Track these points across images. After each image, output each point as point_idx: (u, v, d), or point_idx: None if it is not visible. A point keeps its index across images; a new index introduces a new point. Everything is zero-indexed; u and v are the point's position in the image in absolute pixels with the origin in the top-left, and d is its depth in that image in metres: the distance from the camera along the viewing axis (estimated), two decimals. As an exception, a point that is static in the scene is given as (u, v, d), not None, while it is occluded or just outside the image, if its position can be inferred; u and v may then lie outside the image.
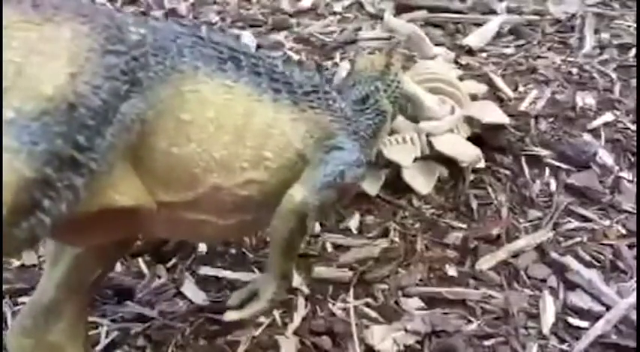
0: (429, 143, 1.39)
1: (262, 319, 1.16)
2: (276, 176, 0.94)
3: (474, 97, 1.54)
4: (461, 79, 1.60)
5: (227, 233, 1.06)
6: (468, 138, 1.43)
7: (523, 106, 1.62)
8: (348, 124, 1.04)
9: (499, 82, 1.70)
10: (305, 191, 0.93)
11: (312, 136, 0.98)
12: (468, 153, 1.39)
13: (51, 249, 0.97)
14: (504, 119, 1.49)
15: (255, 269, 1.25)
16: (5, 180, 0.69)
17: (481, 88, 1.59)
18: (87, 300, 1.01)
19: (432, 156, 1.40)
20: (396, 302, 1.19)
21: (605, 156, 1.47)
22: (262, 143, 0.92)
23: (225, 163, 0.89)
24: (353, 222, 1.34)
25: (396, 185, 1.39)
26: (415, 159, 1.38)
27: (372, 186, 1.37)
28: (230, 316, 1.00)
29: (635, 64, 1.76)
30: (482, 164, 1.42)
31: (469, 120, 1.45)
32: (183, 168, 0.87)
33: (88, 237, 0.89)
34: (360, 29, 1.97)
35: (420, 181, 1.38)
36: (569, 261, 1.25)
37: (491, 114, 1.48)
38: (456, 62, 1.76)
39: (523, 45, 1.87)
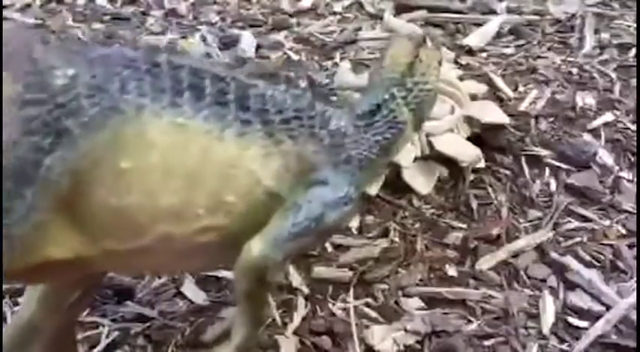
0: (429, 143, 1.39)
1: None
2: (242, 220, 0.83)
3: (473, 97, 1.54)
4: (461, 78, 1.60)
5: (192, 270, 1.01)
6: (468, 138, 1.43)
7: (523, 106, 1.62)
8: (337, 151, 0.90)
9: (499, 81, 1.70)
10: (264, 245, 0.83)
11: (289, 171, 0.86)
12: (468, 153, 1.39)
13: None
14: (504, 119, 1.49)
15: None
16: None
17: (481, 88, 1.59)
18: (68, 320, 0.97)
19: (432, 156, 1.40)
20: (396, 302, 1.19)
21: (605, 156, 1.47)
22: (222, 186, 0.82)
23: (176, 211, 0.80)
24: (353, 222, 1.34)
25: (396, 185, 1.39)
26: (415, 159, 1.38)
27: (371, 186, 1.37)
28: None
29: (635, 64, 1.76)
30: (482, 164, 1.42)
31: (469, 120, 1.45)
32: (125, 219, 0.79)
33: (40, 280, 0.86)
34: (360, 29, 1.97)
35: (420, 181, 1.38)
36: (569, 261, 1.25)
37: (491, 114, 1.48)
38: (456, 62, 1.76)
39: (523, 45, 1.87)
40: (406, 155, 1.36)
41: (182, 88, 0.81)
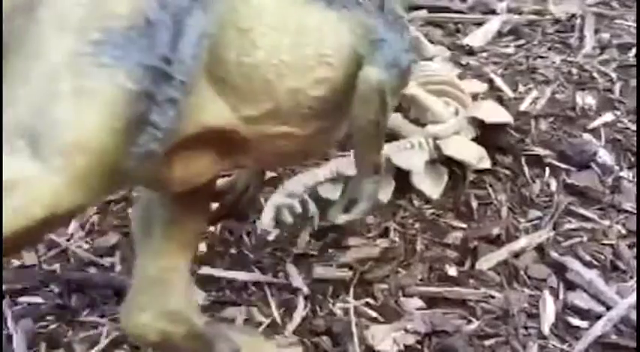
0: (437, 146, 1.39)
1: (262, 319, 1.16)
2: (340, 72, 0.91)
3: (474, 97, 1.54)
4: (460, 77, 1.60)
5: (309, 146, 1.00)
6: (472, 139, 1.44)
7: (523, 106, 1.62)
8: (378, 16, 0.96)
9: (499, 81, 1.70)
10: (377, 69, 0.90)
11: (356, 33, 0.92)
12: (475, 156, 1.39)
13: (137, 227, 0.97)
14: (508, 118, 1.49)
15: (255, 269, 1.25)
16: (111, 96, 0.70)
17: (481, 87, 1.59)
18: (191, 253, 0.98)
19: (439, 160, 1.40)
20: (396, 302, 1.19)
21: (605, 156, 1.47)
22: (319, 41, 0.89)
23: (294, 64, 0.87)
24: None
25: (396, 185, 1.39)
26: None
27: (382, 193, 1.36)
28: (341, 218, 1.01)
29: (635, 64, 1.76)
30: (488, 165, 1.42)
31: (472, 121, 1.45)
32: (258, 77, 0.86)
33: (191, 171, 0.87)
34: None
35: (430, 185, 1.37)
36: (569, 261, 1.25)
37: (495, 113, 1.48)
38: (456, 62, 1.76)
39: (523, 45, 1.87)
40: (416, 161, 1.36)
41: None
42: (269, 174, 1.42)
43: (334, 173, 1.34)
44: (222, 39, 0.82)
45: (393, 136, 1.42)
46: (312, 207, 1.30)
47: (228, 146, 0.88)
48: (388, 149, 1.37)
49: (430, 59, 1.64)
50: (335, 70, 0.91)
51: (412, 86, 1.44)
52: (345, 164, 1.34)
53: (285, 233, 1.30)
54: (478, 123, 1.45)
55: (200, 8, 0.79)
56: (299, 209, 1.26)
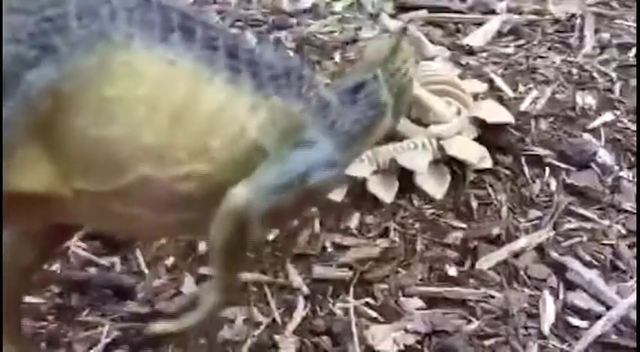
0: (440, 147, 1.38)
1: (262, 319, 1.16)
2: (225, 170, 0.79)
3: (475, 97, 1.54)
4: (460, 77, 1.60)
5: (165, 231, 0.94)
6: (473, 139, 1.44)
7: (523, 106, 1.62)
8: (324, 116, 0.87)
9: (499, 81, 1.70)
10: (250, 192, 0.78)
11: (276, 126, 0.82)
12: (477, 155, 1.39)
13: None
14: (509, 118, 1.49)
15: (255, 269, 1.25)
16: None
17: (481, 87, 1.59)
18: (21, 287, 0.95)
19: (442, 160, 1.40)
20: (396, 302, 1.19)
21: (605, 156, 1.47)
22: (207, 130, 0.78)
23: (159, 152, 0.76)
24: (353, 222, 1.34)
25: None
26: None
27: (386, 194, 1.36)
28: (156, 327, 0.87)
29: (635, 63, 1.76)
30: (489, 164, 1.42)
31: (474, 121, 1.45)
32: (104, 154, 0.75)
33: (12, 220, 0.80)
34: (360, 29, 1.97)
35: (434, 185, 1.37)
36: (569, 261, 1.25)
37: (496, 113, 1.48)
38: (456, 62, 1.76)
39: (523, 45, 1.87)
40: (420, 161, 1.36)
41: (172, 26, 0.78)
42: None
43: None
44: (74, 102, 0.73)
45: (397, 137, 1.42)
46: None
47: (54, 210, 0.79)
48: (392, 149, 1.37)
49: (430, 59, 1.64)
50: (217, 167, 0.79)
51: (414, 86, 1.44)
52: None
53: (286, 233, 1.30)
54: (479, 123, 1.45)
55: (52, 62, 0.72)
56: None
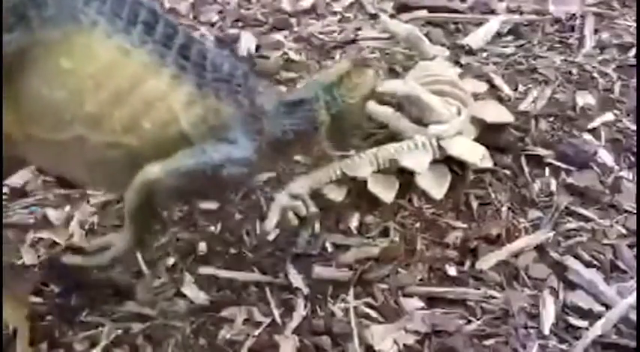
0: (440, 147, 1.38)
1: (262, 319, 1.16)
2: (150, 148, 0.94)
3: (475, 96, 1.54)
4: (460, 78, 1.59)
5: (99, 183, 1.11)
6: (473, 139, 1.44)
7: (523, 106, 1.62)
8: (254, 121, 1.01)
9: (499, 81, 1.70)
10: (161, 171, 0.93)
11: (207, 123, 0.96)
12: (478, 155, 1.39)
13: None
14: (509, 118, 1.49)
15: (255, 269, 1.25)
16: None
17: (481, 87, 1.59)
18: None
19: (442, 160, 1.39)
20: (396, 302, 1.19)
21: (605, 156, 1.47)
22: (142, 112, 0.93)
23: (96, 119, 0.92)
24: (353, 222, 1.34)
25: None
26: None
27: (386, 194, 1.36)
28: (70, 259, 1.07)
29: (635, 64, 1.76)
30: (490, 164, 1.42)
31: (474, 121, 1.45)
32: (52, 111, 0.92)
33: None
34: (360, 29, 1.96)
35: (434, 186, 1.37)
36: (569, 260, 1.25)
37: (496, 113, 1.48)
38: (456, 62, 1.76)
39: (523, 45, 1.87)
40: (420, 161, 1.36)
41: (136, 21, 0.93)
42: (268, 175, 1.42)
43: (338, 174, 1.34)
44: (36, 64, 0.90)
45: (397, 137, 1.42)
46: (314, 208, 1.30)
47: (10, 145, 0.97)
48: (392, 149, 1.37)
49: (431, 59, 1.64)
50: (144, 143, 0.94)
51: (414, 87, 1.44)
52: (349, 165, 1.34)
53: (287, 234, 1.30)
54: (479, 123, 1.45)
55: (25, 30, 0.89)
56: (303, 211, 1.27)
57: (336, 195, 1.33)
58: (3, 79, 0.91)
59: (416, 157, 1.37)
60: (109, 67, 0.91)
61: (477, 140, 1.44)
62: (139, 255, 1.27)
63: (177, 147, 0.95)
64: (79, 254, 1.12)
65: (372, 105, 1.47)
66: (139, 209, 0.98)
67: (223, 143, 0.97)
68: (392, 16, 1.99)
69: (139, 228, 1.02)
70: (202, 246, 1.29)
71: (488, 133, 1.46)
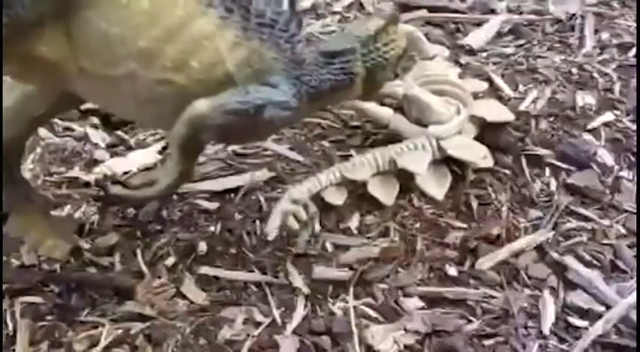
0: (439, 147, 1.38)
1: (262, 319, 1.16)
2: (198, 86, 0.98)
3: (475, 95, 1.54)
4: (460, 77, 1.60)
5: (146, 119, 1.16)
6: (474, 138, 1.44)
7: (523, 106, 1.62)
8: (294, 68, 1.04)
9: (499, 81, 1.70)
10: (209, 107, 0.98)
11: (251, 66, 1.00)
12: (479, 155, 1.39)
13: (9, 81, 1.09)
14: (509, 116, 1.49)
15: (255, 269, 1.25)
16: None
17: (482, 86, 1.59)
18: (25, 134, 1.17)
19: (442, 160, 1.39)
20: (396, 302, 1.19)
21: (605, 156, 1.47)
22: (192, 50, 0.96)
23: (148, 55, 0.96)
24: (353, 222, 1.34)
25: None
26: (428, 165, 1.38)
27: (387, 196, 1.36)
28: (114, 189, 1.11)
29: (635, 63, 1.76)
30: (491, 163, 1.42)
31: (474, 120, 1.45)
32: (106, 45, 0.96)
33: (24, 75, 1.04)
34: (360, 29, 1.96)
35: (435, 186, 1.37)
36: (569, 260, 1.25)
37: (496, 112, 1.48)
38: (456, 62, 1.76)
39: (523, 45, 1.87)
40: (420, 162, 1.36)
41: None
42: (268, 175, 1.43)
43: (338, 178, 1.34)
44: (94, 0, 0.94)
45: (396, 138, 1.42)
46: (313, 209, 1.30)
47: (61, 77, 1.01)
48: (392, 151, 1.37)
49: (431, 59, 1.64)
50: (192, 82, 0.98)
51: (413, 87, 1.44)
52: (349, 168, 1.34)
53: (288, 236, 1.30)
54: (480, 122, 1.45)
55: None
56: (304, 215, 1.27)
57: (336, 198, 1.33)
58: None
59: (415, 158, 1.37)
60: (161, 4, 0.95)
61: (477, 139, 1.44)
62: (139, 255, 1.27)
63: (222, 88, 0.98)
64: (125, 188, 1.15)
65: (373, 107, 1.47)
66: (186, 143, 1.02)
67: (266, 86, 1.01)
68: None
69: (185, 162, 1.06)
70: (202, 246, 1.29)
71: (488, 133, 1.46)
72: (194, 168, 1.14)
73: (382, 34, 1.11)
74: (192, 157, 1.09)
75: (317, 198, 1.31)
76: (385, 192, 1.35)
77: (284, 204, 1.26)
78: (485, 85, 1.61)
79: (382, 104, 1.48)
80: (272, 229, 1.24)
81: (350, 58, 1.09)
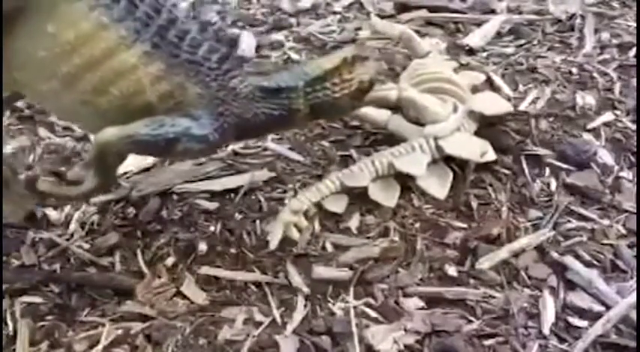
0: (438, 147, 1.38)
1: (262, 319, 1.16)
2: (119, 111, 1.03)
3: (474, 89, 1.53)
4: (455, 71, 1.59)
5: (75, 123, 1.32)
6: (475, 133, 1.44)
7: (523, 106, 1.62)
8: (220, 103, 1.07)
9: (499, 81, 1.70)
10: (116, 136, 1.02)
11: (174, 99, 1.04)
12: (479, 150, 1.39)
13: None
14: (508, 107, 1.49)
15: (255, 269, 1.25)
16: None
17: (478, 78, 1.59)
18: None
19: (442, 159, 1.39)
20: (396, 302, 1.19)
21: (605, 156, 1.47)
22: (112, 80, 1.01)
23: (70, 79, 1.02)
24: (353, 222, 1.34)
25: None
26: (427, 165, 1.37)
27: (388, 199, 1.36)
28: (43, 185, 1.12)
29: (635, 63, 1.76)
30: (493, 158, 1.41)
31: (472, 114, 1.44)
32: (34, 64, 1.02)
33: None
34: (360, 29, 1.97)
35: (436, 186, 1.37)
36: (569, 261, 1.25)
37: (494, 104, 1.48)
38: (456, 62, 1.76)
39: (523, 45, 1.87)
40: (418, 164, 1.36)
41: None
42: (268, 175, 1.43)
43: (338, 186, 1.34)
44: (28, 21, 1.00)
45: (395, 139, 1.42)
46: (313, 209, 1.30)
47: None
48: (390, 153, 1.37)
49: (424, 56, 1.64)
50: (111, 107, 1.03)
51: (407, 89, 1.44)
52: (348, 176, 1.34)
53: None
54: (479, 117, 1.45)
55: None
56: (305, 224, 1.27)
57: (338, 206, 1.34)
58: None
59: (413, 160, 1.37)
60: (87, 37, 1.00)
61: (477, 134, 1.44)
62: (139, 255, 1.27)
63: (144, 115, 1.03)
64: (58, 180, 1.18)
65: (370, 110, 1.47)
66: (96, 161, 1.07)
67: (186, 118, 1.04)
68: (392, 16, 1.99)
69: (101, 175, 1.10)
70: (202, 246, 1.29)
71: (488, 131, 1.46)
72: (114, 179, 1.20)
73: (334, 73, 1.12)
74: (106, 173, 1.11)
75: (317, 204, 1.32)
76: (386, 196, 1.35)
77: (285, 214, 1.26)
78: (482, 77, 1.60)
79: (380, 106, 1.47)
80: (274, 240, 1.25)
81: (291, 95, 1.11)
